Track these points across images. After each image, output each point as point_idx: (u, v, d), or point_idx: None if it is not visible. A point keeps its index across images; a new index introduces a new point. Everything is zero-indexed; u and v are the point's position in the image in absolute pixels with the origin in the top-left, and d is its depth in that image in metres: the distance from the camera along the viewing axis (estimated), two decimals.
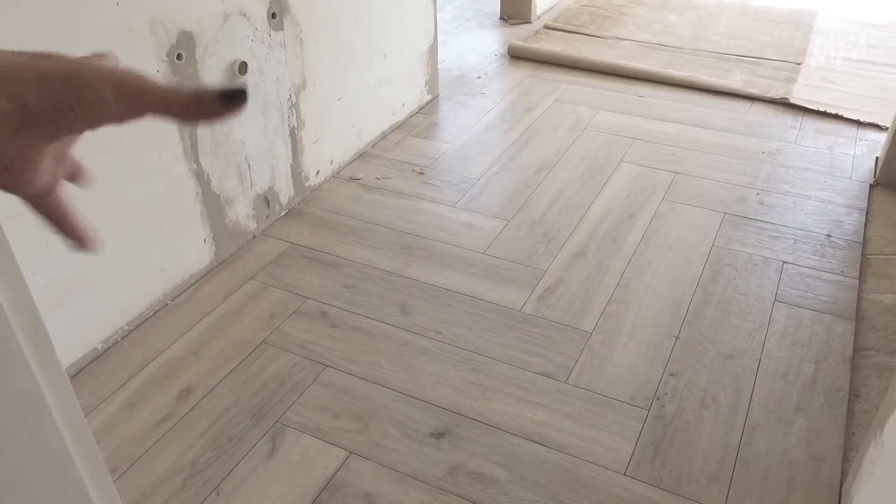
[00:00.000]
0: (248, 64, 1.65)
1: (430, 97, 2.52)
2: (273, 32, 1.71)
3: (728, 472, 1.24)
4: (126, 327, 1.54)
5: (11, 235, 0.60)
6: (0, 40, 1.14)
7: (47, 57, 0.34)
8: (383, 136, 2.30)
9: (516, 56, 2.88)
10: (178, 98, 0.36)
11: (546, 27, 3.15)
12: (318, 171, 2.02)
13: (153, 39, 1.40)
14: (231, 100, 0.37)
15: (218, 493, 1.22)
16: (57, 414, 0.65)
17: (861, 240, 1.81)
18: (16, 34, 1.16)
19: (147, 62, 1.40)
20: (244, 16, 1.61)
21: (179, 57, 1.47)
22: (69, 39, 1.25)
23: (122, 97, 0.35)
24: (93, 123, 0.35)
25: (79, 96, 0.34)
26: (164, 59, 1.44)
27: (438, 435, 1.32)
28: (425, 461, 1.27)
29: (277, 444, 1.30)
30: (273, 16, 1.70)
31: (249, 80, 1.67)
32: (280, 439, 1.31)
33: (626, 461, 1.26)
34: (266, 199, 1.84)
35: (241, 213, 1.77)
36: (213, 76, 1.56)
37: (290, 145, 1.88)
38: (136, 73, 0.36)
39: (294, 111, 1.86)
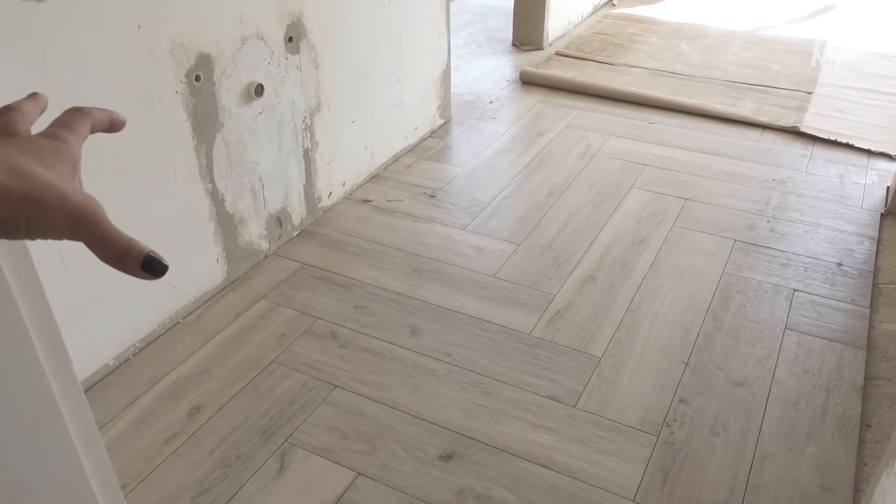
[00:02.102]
0: (265, 86, 1.68)
1: (442, 121, 2.55)
2: (289, 55, 1.74)
3: (738, 501, 1.23)
4: (138, 344, 1.55)
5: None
6: (24, 61, 1.17)
7: (21, 173, 0.36)
8: (395, 158, 2.32)
9: (528, 82, 2.91)
10: (115, 242, 0.39)
11: (558, 54, 3.18)
12: (330, 193, 2.04)
13: (172, 61, 1.43)
14: (150, 268, 0.41)
15: None
16: (71, 425, 0.65)
17: (872, 269, 1.80)
18: (39, 55, 1.19)
19: (166, 83, 1.43)
20: (261, 39, 1.64)
21: (198, 78, 1.50)
22: (91, 60, 1.27)
23: (73, 230, 0.38)
24: (31, 238, 0.38)
25: (31, 220, 0.36)
26: (183, 80, 1.46)
27: (446, 457, 1.31)
28: (433, 483, 1.26)
29: (286, 463, 1.30)
30: (290, 39, 1.73)
31: (265, 103, 1.70)
32: (288, 459, 1.31)
33: (634, 487, 1.26)
34: (279, 220, 1.86)
35: (254, 232, 1.79)
36: (230, 98, 1.59)
37: (303, 166, 1.90)
38: (94, 206, 0.38)
39: (308, 133, 1.88)
